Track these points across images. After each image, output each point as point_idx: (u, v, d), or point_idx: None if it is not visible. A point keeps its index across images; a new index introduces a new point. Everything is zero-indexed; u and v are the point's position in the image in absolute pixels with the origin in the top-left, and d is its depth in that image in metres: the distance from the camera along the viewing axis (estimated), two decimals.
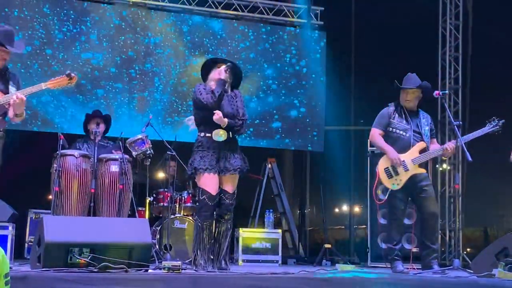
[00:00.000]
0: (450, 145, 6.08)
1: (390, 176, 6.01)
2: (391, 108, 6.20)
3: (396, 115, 6.13)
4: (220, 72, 5.56)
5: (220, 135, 5.46)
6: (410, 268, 6.22)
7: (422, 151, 6.05)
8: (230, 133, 5.52)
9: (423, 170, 6.08)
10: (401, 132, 6.07)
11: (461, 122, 6.96)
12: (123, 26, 9.56)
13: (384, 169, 6.04)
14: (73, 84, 5.21)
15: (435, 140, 6.31)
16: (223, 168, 5.48)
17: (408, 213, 6.79)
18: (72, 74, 5.12)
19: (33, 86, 5.13)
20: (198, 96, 5.49)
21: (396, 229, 6.09)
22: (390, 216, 6.15)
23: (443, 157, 6.38)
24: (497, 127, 6.08)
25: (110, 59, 9.44)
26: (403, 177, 5.97)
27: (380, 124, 6.17)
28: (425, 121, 6.20)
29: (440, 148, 6.12)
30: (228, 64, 5.61)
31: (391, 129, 6.12)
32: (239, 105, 5.62)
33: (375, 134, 6.16)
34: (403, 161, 5.97)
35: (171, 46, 9.78)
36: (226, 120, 5.44)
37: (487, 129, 6.11)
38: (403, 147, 6.04)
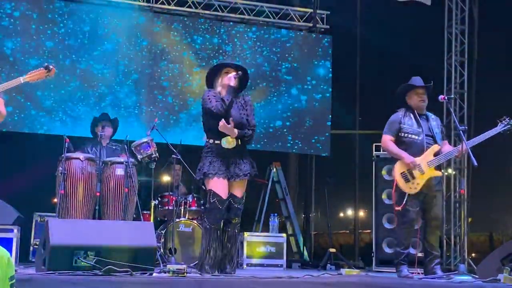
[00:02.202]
0: (462, 148, 6.03)
1: (407, 180, 5.93)
2: (400, 113, 6.14)
3: (406, 119, 6.07)
4: (230, 79, 5.50)
5: (229, 143, 5.44)
6: (416, 273, 6.19)
7: (437, 154, 5.99)
8: (239, 140, 5.50)
9: (439, 173, 6.02)
10: (413, 136, 6.00)
11: (466, 127, 6.94)
12: (129, 30, 9.59)
13: (401, 173, 5.96)
14: (51, 76, 5.07)
15: (446, 142, 6.24)
16: (233, 174, 5.45)
17: None
18: (50, 66, 5.01)
19: (11, 81, 4.98)
20: (208, 104, 5.42)
21: (406, 234, 6.01)
22: (403, 219, 6.03)
23: (458, 158, 6.23)
24: (509, 126, 6.01)
25: (115, 62, 9.46)
26: (420, 181, 5.90)
27: (390, 130, 6.09)
28: (435, 124, 6.14)
29: (454, 150, 6.05)
30: (239, 72, 5.55)
31: (402, 134, 6.04)
32: (248, 113, 5.56)
33: (387, 141, 6.08)
34: (419, 164, 5.91)
35: (177, 50, 9.80)
36: (236, 131, 5.40)
37: (499, 128, 6.03)
38: (417, 151, 5.96)
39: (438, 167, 6.02)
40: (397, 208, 6.00)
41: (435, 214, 6.01)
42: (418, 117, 6.08)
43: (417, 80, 6.15)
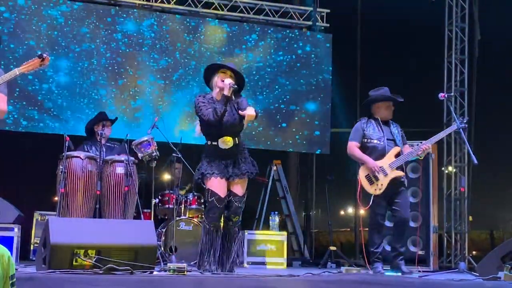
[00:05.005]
0: (424, 145, 6.30)
1: (371, 182, 6.26)
2: (363, 121, 6.49)
3: (369, 126, 6.41)
4: (225, 87, 5.46)
5: (226, 143, 5.47)
6: (415, 271, 6.31)
7: (397, 155, 6.31)
8: (236, 139, 5.52)
9: (401, 173, 6.32)
10: (375, 141, 6.35)
11: (466, 125, 6.95)
12: (129, 28, 9.59)
13: (365, 176, 6.29)
14: (46, 66, 4.92)
15: (407, 146, 6.53)
16: (231, 174, 5.48)
17: (413, 215, 6.96)
18: (44, 55, 4.87)
19: (6, 74, 4.82)
20: (199, 112, 5.52)
21: (376, 234, 6.35)
22: (371, 222, 6.38)
23: (419, 157, 6.52)
24: (463, 124, 6.37)
25: (116, 61, 9.46)
26: (384, 182, 6.22)
27: (355, 137, 6.44)
28: (395, 129, 6.48)
29: (414, 150, 6.37)
30: (234, 85, 5.49)
31: (366, 140, 6.39)
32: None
33: (353, 147, 6.42)
34: (381, 167, 6.21)
35: (177, 48, 9.79)
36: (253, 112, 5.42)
37: (454, 127, 6.45)
38: (379, 154, 6.30)
39: (400, 168, 6.31)
40: (363, 209, 6.40)
41: (401, 214, 6.30)
42: (381, 124, 6.42)
43: (385, 92, 6.46)
